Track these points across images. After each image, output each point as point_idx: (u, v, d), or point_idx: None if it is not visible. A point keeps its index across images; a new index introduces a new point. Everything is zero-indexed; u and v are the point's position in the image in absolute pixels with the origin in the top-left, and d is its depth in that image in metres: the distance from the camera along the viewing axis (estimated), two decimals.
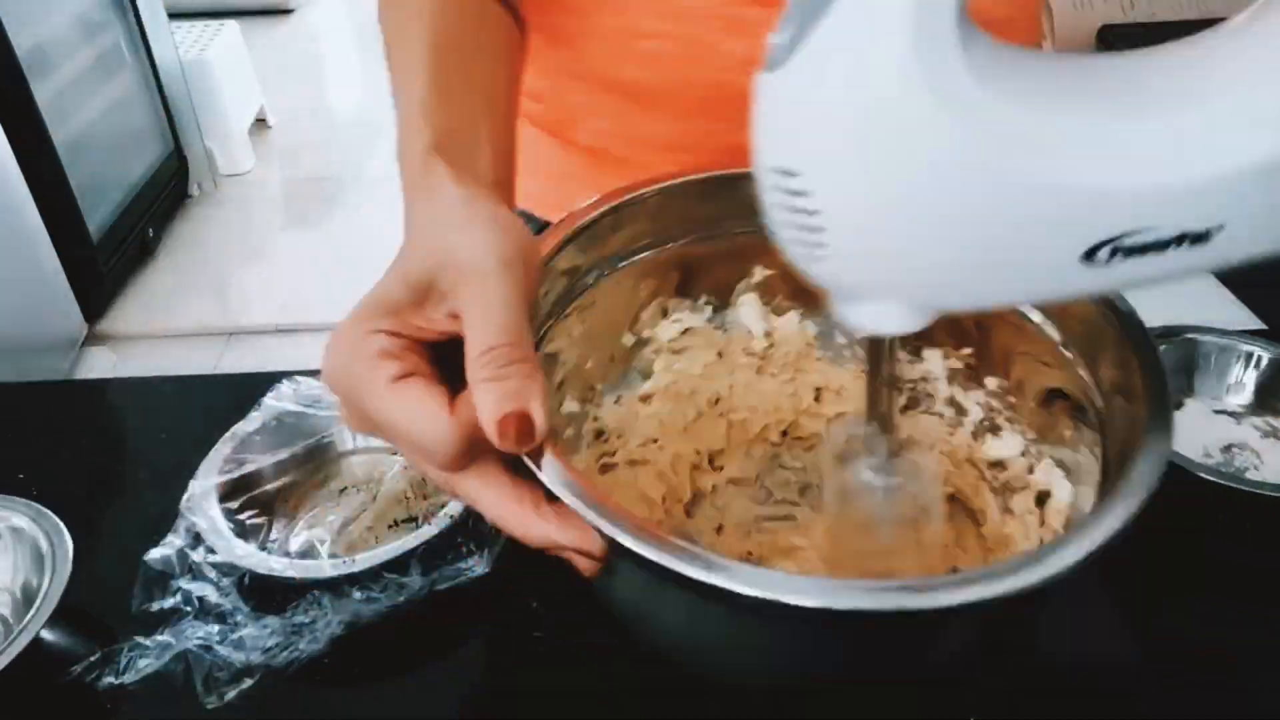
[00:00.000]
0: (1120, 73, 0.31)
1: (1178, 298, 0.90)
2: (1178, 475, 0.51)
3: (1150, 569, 0.51)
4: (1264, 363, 0.59)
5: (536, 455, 0.35)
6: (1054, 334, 0.45)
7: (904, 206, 0.30)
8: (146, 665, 0.45)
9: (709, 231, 0.51)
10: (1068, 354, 0.45)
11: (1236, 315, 1.69)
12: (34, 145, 1.73)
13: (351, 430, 0.36)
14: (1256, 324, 1.62)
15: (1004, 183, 0.29)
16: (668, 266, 0.52)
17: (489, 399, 0.33)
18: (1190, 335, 0.60)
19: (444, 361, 0.36)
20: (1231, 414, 0.60)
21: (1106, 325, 0.42)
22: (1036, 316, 0.46)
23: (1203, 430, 0.59)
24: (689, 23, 0.56)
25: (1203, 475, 0.50)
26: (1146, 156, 0.29)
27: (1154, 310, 0.66)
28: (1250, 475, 0.56)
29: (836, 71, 0.28)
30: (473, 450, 0.34)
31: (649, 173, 0.49)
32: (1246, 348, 0.60)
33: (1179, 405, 0.60)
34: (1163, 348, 0.60)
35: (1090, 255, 0.30)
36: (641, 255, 0.50)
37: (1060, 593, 0.49)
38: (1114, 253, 0.30)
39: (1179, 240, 0.30)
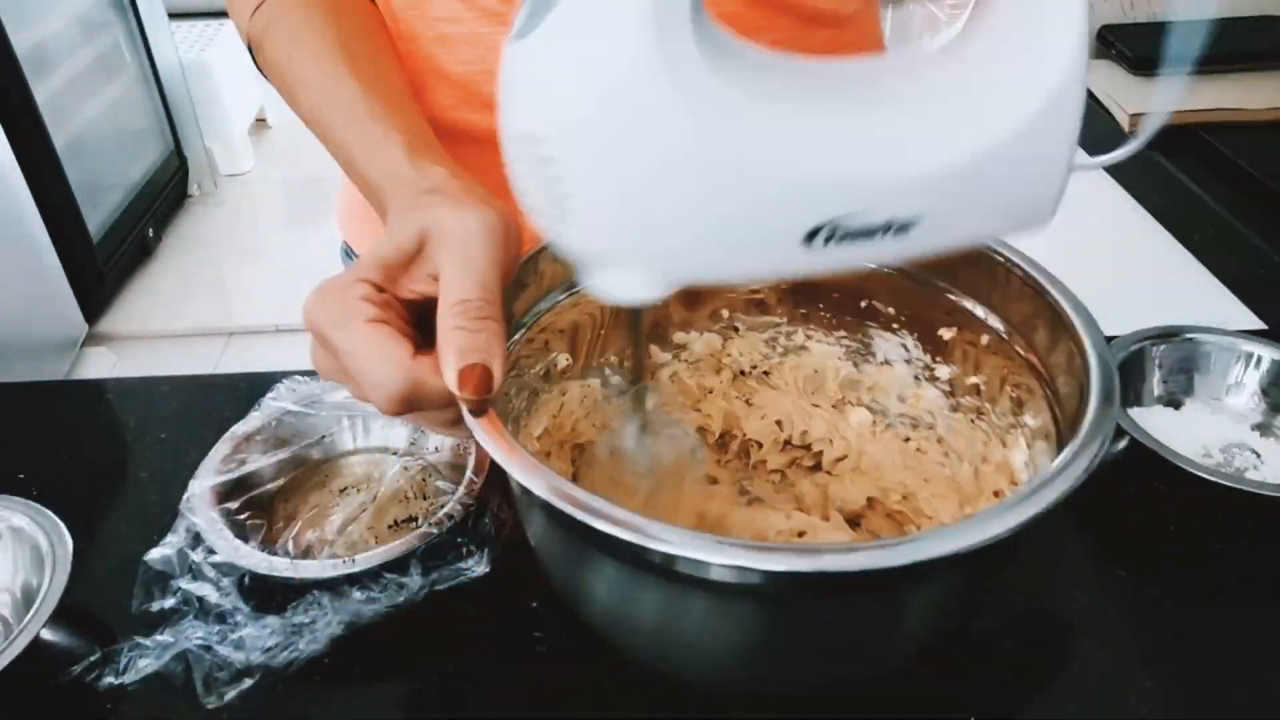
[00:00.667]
0: (847, 74, 0.34)
1: (1178, 297, 0.90)
2: (1178, 475, 0.51)
3: (1150, 569, 0.51)
4: (1264, 363, 0.59)
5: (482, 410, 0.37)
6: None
7: (641, 181, 0.31)
8: (146, 665, 0.45)
9: None
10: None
11: (1236, 315, 1.69)
12: (34, 145, 1.73)
13: (318, 373, 0.39)
14: (1257, 324, 1.62)
15: (733, 166, 0.31)
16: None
17: (454, 348, 0.35)
18: (1190, 335, 0.60)
19: (419, 327, 0.39)
20: (1231, 414, 0.60)
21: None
22: None
23: (1203, 430, 0.59)
24: None
25: (1202, 475, 0.50)
26: (861, 150, 0.32)
27: (1154, 310, 0.66)
28: (1250, 475, 0.56)
29: (577, 47, 0.30)
30: (413, 400, 0.36)
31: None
32: (1247, 348, 0.60)
33: (1178, 405, 0.60)
34: (1162, 347, 0.60)
35: (809, 238, 0.33)
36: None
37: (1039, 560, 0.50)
38: (829, 237, 0.33)
39: (886, 228, 0.33)
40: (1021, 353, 0.45)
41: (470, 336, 0.35)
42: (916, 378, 0.52)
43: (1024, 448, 0.45)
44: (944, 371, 0.50)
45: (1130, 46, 0.92)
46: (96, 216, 1.94)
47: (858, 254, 0.33)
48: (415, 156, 0.43)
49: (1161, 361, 0.60)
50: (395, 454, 0.56)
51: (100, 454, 0.60)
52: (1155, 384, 0.60)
